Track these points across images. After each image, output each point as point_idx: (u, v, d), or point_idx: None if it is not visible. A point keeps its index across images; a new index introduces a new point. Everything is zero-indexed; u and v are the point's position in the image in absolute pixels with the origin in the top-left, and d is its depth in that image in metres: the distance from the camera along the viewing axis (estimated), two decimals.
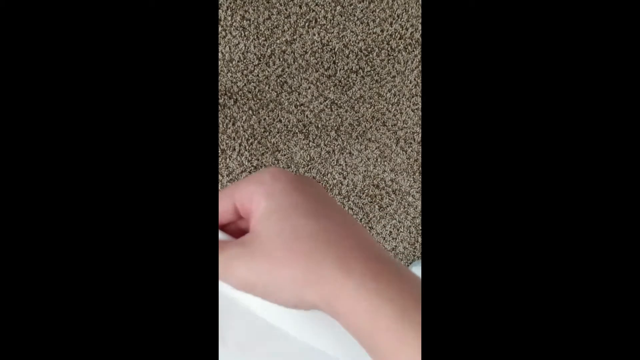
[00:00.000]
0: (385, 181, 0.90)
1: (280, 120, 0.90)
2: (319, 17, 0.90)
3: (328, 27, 0.90)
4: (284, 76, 0.90)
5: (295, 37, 0.90)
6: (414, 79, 0.90)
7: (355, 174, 0.90)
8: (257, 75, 0.90)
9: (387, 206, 0.90)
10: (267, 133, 0.89)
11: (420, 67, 0.95)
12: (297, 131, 0.90)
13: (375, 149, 0.90)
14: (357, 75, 0.90)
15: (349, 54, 0.90)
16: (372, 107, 0.90)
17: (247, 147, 0.89)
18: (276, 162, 0.90)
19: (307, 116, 0.90)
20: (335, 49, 0.90)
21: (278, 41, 0.90)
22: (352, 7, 0.90)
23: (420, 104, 0.95)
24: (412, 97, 0.90)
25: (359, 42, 0.90)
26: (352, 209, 0.90)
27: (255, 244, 0.26)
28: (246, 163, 0.90)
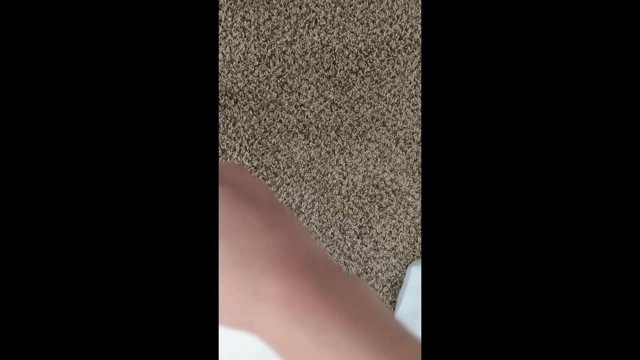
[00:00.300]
0: (385, 181, 0.90)
1: (280, 121, 0.90)
2: (319, 18, 0.90)
3: (328, 27, 0.90)
4: (284, 77, 0.90)
5: (295, 37, 0.90)
6: (414, 80, 0.90)
7: (355, 174, 0.90)
8: (258, 76, 0.90)
9: (387, 206, 0.90)
10: (268, 133, 0.90)
11: (420, 67, 0.95)
12: (297, 131, 0.90)
13: (375, 149, 0.90)
14: (357, 75, 0.90)
15: (349, 54, 0.90)
16: (372, 108, 0.90)
17: (247, 147, 0.90)
18: (276, 162, 0.90)
19: (307, 116, 0.90)
20: (335, 50, 0.90)
21: (278, 42, 0.90)
22: (352, 7, 0.90)
23: (420, 104, 0.95)
24: (412, 97, 0.90)
25: (358, 43, 0.90)
26: (352, 208, 0.90)
27: None
28: (246, 163, 0.90)
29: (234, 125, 0.89)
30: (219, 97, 0.90)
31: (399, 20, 0.90)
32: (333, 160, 0.90)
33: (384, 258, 0.89)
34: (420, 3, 0.98)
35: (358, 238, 0.90)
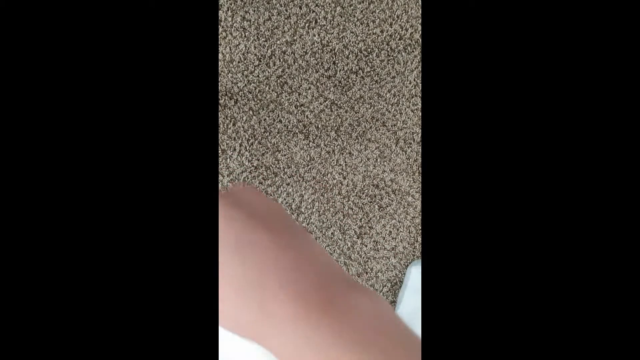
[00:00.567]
0: (385, 181, 0.90)
1: (280, 121, 0.90)
2: (319, 18, 0.90)
3: (328, 27, 0.90)
4: (284, 77, 0.90)
5: (295, 37, 0.90)
6: (414, 80, 0.90)
7: (355, 174, 0.90)
8: (258, 76, 0.90)
9: (387, 206, 0.90)
10: (268, 133, 0.90)
11: (420, 67, 0.95)
12: (297, 131, 0.90)
13: (375, 149, 0.90)
14: (357, 75, 0.90)
15: (349, 54, 0.90)
16: (372, 108, 0.90)
17: (247, 148, 0.90)
18: (276, 162, 0.90)
19: (307, 116, 0.90)
20: (335, 50, 0.90)
21: (278, 42, 0.90)
22: (352, 7, 0.90)
23: (420, 104, 0.95)
24: (412, 97, 0.90)
25: (358, 43, 0.90)
26: (352, 209, 0.90)
27: None
28: (246, 163, 0.90)
29: (234, 125, 0.89)
30: (219, 97, 0.90)
31: (399, 20, 0.90)
32: (333, 160, 0.90)
33: (384, 258, 0.89)
34: (420, 3, 0.98)
35: (358, 238, 0.90)
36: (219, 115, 0.89)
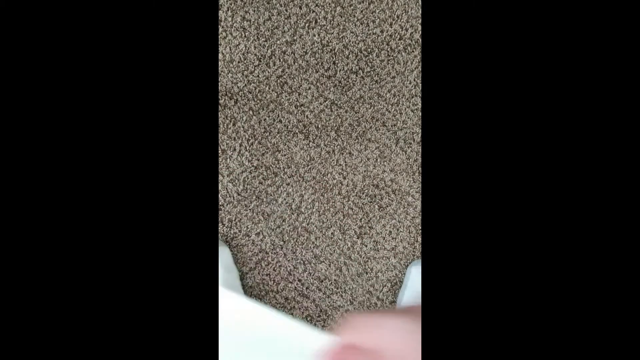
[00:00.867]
0: (385, 181, 0.90)
1: (280, 121, 0.90)
2: (319, 18, 0.90)
3: (328, 27, 0.90)
4: (284, 77, 0.90)
5: (295, 37, 0.90)
6: (414, 80, 0.90)
7: (355, 174, 0.90)
8: (258, 76, 0.90)
9: (387, 206, 0.90)
10: (268, 133, 0.90)
11: (420, 67, 0.95)
12: (297, 131, 0.90)
13: (375, 149, 0.91)
14: (357, 75, 0.90)
15: (349, 54, 0.90)
16: (372, 108, 0.90)
17: (247, 147, 0.90)
18: (276, 162, 0.90)
19: (307, 116, 0.90)
20: (335, 50, 0.90)
21: (278, 42, 0.90)
22: (352, 7, 0.90)
23: (420, 104, 0.95)
24: (412, 97, 0.90)
25: (358, 43, 0.90)
26: (352, 209, 0.90)
27: None
28: (246, 163, 0.90)
29: (234, 125, 0.89)
30: (219, 97, 0.90)
31: (399, 20, 0.90)
32: (333, 160, 0.90)
33: (384, 258, 0.90)
34: (420, 3, 0.98)
35: (358, 238, 0.90)
36: (219, 115, 0.89)
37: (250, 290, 0.89)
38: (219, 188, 0.89)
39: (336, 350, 0.24)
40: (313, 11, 0.90)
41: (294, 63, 0.90)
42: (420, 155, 0.96)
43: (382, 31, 0.91)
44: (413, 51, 0.91)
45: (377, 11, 0.91)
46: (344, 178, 0.90)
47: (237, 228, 0.89)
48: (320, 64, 0.90)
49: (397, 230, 0.90)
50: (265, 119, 0.89)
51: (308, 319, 0.89)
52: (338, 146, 0.90)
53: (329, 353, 0.25)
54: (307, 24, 0.90)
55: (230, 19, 0.90)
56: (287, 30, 0.90)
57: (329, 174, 0.90)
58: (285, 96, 0.90)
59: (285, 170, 0.90)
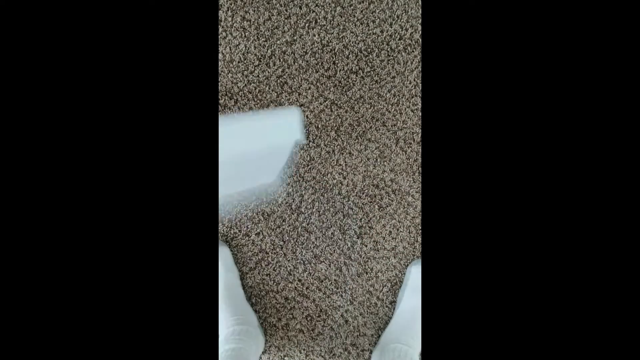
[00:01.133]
0: (385, 181, 0.90)
1: None
2: (319, 18, 0.90)
3: (328, 27, 0.90)
4: (284, 77, 0.90)
5: (295, 37, 0.90)
6: (414, 80, 0.90)
7: (355, 174, 0.90)
8: (258, 76, 0.90)
9: (387, 206, 0.90)
10: None
11: (420, 67, 0.95)
12: None
13: (375, 149, 0.91)
14: (356, 75, 0.90)
15: (349, 54, 0.90)
16: (372, 108, 0.90)
17: None
18: None
19: (307, 116, 0.90)
20: (335, 50, 0.90)
21: (278, 42, 0.90)
22: (352, 7, 0.90)
23: (420, 104, 0.95)
24: (412, 97, 0.90)
25: (358, 43, 0.90)
26: (352, 208, 0.90)
27: None
28: None
29: None
30: (219, 97, 0.90)
31: (399, 20, 0.90)
32: (333, 160, 0.90)
33: (384, 258, 0.90)
34: (420, 3, 0.98)
35: (358, 238, 0.90)
36: (219, 116, 0.89)
37: (250, 290, 0.89)
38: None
39: None
40: (313, 11, 0.90)
41: (294, 63, 0.90)
42: (420, 155, 0.96)
43: (382, 31, 0.91)
44: (413, 51, 0.91)
45: (377, 11, 0.91)
46: (344, 178, 0.90)
47: (237, 228, 0.89)
48: (320, 64, 0.90)
49: (397, 230, 0.90)
50: None
51: (308, 318, 0.89)
52: (338, 146, 0.90)
53: None
54: (307, 24, 0.90)
55: (230, 19, 0.90)
56: (287, 30, 0.90)
57: (329, 174, 0.90)
58: (285, 96, 0.90)
59: (285, 170, 0.90)
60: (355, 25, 0.90)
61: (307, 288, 0.89)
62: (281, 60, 0.90)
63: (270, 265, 0.89)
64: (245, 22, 0.90)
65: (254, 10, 0.90)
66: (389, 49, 0.90)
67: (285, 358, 0.88)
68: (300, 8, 0.90)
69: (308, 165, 0.90)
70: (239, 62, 0.90)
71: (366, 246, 0.90)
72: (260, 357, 0.87)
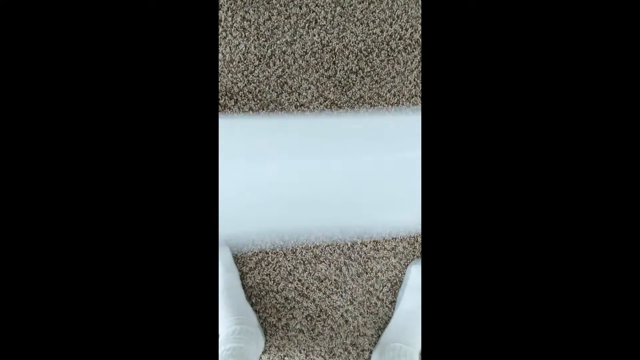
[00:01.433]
0: None
1: None
2: (319, 18, 0.90)
3: (328, 27, 0.90)
4: (284, 77, 0.90)
5: (295, 37, 0.90)
6: (414, 80, 0.90)
7: None
8: (258, 76, 0.90)
9: None
10: None
11: (420, 67, 0.95)
12: None
13: None
14: (357, 75, 0.90)
15: (349, 54, 0.90)
16: (372, 108, 0.90)
17: None
18: None
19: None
20: (335, 50, 0.90)
21: (278, 42, 0.90)
22: (352, 7, 0.90)
23: (420, 104, 0.95)
24: (412, 97, 0.90)
25: (358, 43, 0.90)
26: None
27: None
28: None
29: None
30: (219, 97, 0.90)
31: (399, 20, 0.90)
32: None
33: (384, 258, 0.89)
34: (420, 3, 0.98)
35: (358, 238, 0.90)
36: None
37: (250, 290, 0.89)
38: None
39: None
40: (313, 11, 0.90)
41: (294, 63, 0.90)
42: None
43: (382, 31, 0.91)
44: (413, 51, 0.91)
45: (377, 11, 0.91)
46: None
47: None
48: (320, 64, 0.90)
49: (397, 230, 0.90)
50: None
51: (308, 318, 0.89)
52: None
53: None
54: (307, 24, 0.90)
55: (230, 19, 0.90)
56: (287, 30, 0.90)
57: None
58: (285, 96, 0.90)
59: None
60: (355, 25, 0.90)
61: (307, 288, 0.89)
62: (281, 60, 0.90)
63: (270, 265, 0.89)
64: (245, 22, 0.90)
65: (254, 10, 0.90)
66: (389, 49, 0.90)
67: (285, 358, 0.88)
68: (300, 8, 0.90)
69: None
70: (239, 62, 0.90)
71: (366, 246, 0.90)
72: (260, 357, 0.87)
